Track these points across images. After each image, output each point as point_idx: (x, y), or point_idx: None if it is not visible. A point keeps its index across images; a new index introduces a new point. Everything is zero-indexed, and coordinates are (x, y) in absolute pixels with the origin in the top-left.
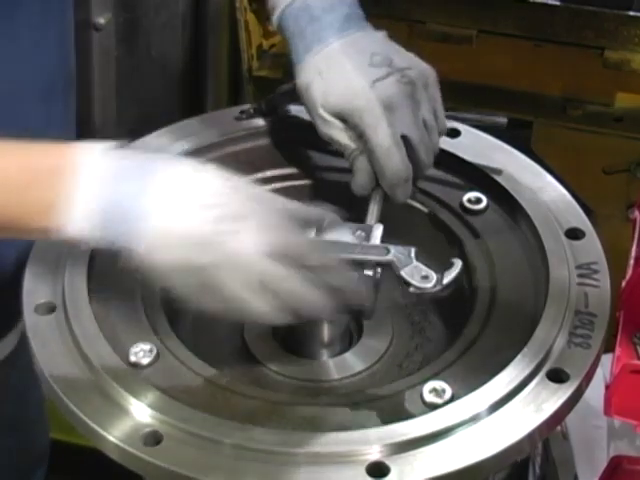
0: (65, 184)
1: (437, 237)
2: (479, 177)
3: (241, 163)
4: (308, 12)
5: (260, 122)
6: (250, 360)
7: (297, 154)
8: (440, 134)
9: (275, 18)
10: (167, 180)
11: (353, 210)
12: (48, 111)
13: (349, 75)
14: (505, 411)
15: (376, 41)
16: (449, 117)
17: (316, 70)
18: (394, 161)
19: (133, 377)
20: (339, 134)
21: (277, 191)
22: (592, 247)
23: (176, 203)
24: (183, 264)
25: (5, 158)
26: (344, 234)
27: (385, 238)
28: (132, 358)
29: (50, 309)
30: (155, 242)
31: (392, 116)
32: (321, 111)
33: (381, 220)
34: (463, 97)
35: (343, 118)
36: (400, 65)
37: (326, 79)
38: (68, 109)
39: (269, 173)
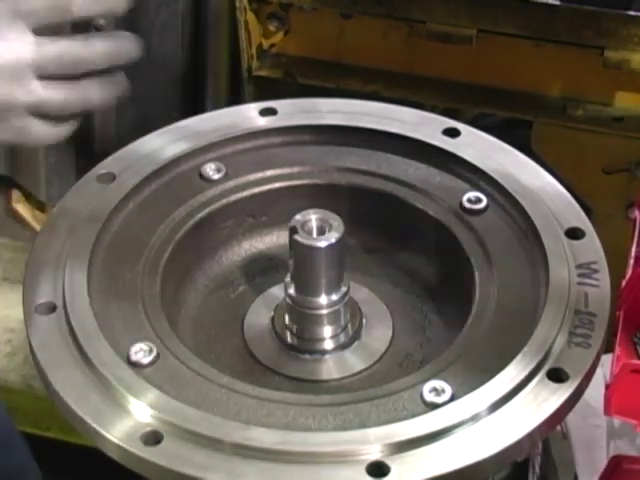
0: None
1: (437, 237)
2: (479, 177)
3: (242, 162)
4: None
5: (260, 122)
6: (250, 359)
7: (297, 153)
8: None
9: None
10: None
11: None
12: None
13: None
14: (505, 411)
15: None
16: None
17: None
18: None
19: (133, 377)
20: None
21: (277, 191)
22: (592, 247)
23: None
24: None
25: None
26: None
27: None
28: (132, 358)
29: (50, 309)
30: None
31: None
32: None
33: (381, 221)
34: (463, 97)
35: None
36: None
37: None
38: None
39: (269, 173)
